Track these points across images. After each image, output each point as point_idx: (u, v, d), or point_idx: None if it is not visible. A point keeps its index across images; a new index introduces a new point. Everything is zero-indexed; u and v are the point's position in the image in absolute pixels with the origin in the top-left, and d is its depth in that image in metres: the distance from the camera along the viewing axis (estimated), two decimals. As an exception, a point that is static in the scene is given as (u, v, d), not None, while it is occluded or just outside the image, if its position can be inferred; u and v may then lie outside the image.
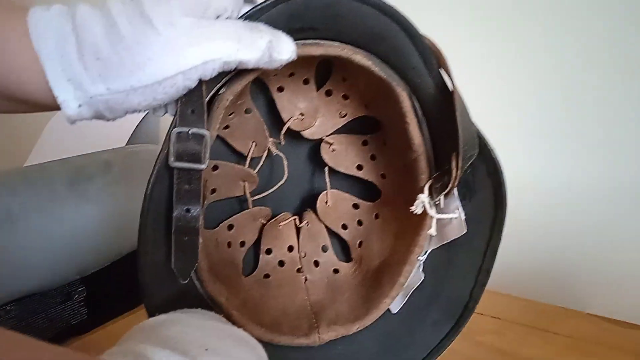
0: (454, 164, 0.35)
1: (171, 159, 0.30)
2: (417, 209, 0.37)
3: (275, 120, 0.45)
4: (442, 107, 0.36)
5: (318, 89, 0.44)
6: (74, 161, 0.50)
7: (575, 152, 0.68)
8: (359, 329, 0.42)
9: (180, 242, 0.32)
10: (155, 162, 0.31)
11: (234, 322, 0.39)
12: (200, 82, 0.30)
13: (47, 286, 0.46)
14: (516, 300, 0.63)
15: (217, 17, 0.29)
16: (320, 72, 0.43)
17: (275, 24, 0.31)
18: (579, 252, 0.69)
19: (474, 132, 0.35)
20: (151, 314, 0.34)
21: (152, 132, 0.78)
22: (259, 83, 0.43)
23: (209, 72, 0.29)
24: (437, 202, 0.39)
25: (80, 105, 0.28)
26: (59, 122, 0.83)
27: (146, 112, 0.33)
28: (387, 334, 0.43)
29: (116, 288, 0.52)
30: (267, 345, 0.40)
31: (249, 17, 0.30)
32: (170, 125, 0.31)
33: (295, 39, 0.33)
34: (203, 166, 0.31)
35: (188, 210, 0.32)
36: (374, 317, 0.42)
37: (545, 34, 0.67)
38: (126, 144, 0.71)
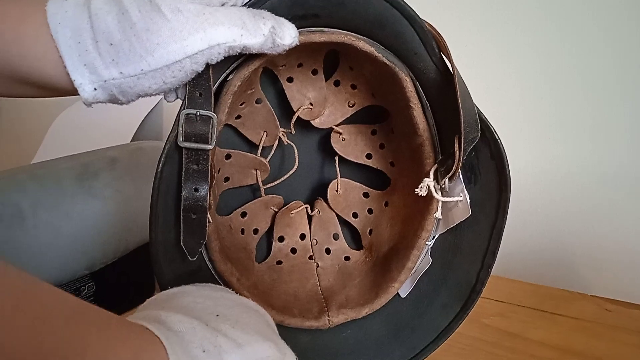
0: (456, 146, 0.36)
1: (180, 139, 0.32)
2: (421, 191, 0.38)
3: (285, 110, 0.46)
4: (445, 91, 0.37)
5: (326, 79, 0.45)
6: (80, 158, 0.52)
7: (576, 139, 0.68)
8: (368, 313, 0.42)
9: (189, 220, 0.34)
10: (166, 142, 0.32)
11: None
12: (208, 66, 0.31)
13: (57, 281, 0.47)
14: (521, 284, 0.64)
15: (223, 4, 0.31)
16: (329, 63, 0.44)
17: (278, 11, 0.33)
18: (581, 236, 0.70)
19: (475, 114, 0.36)
20: (163, 289, 0.36)
21: (157, 128, 0.80)
22: (269, 74, 0.44)
23: (215, 57, 0.30)
24: (442, 186, 0.40)
25: (95, 89, 0.30)
26: (65, 119, 0.86)
27: (151, 109, 0.34)
28: (396, 318, 0.44)
29: (125, 282, 0.54)
30: (277, 326, 0.41)
31: (252, 4, 0.32)
32: (180, 107, 0.32)
33: (299, 27, 0.34)
34: (210, 147, 0.33)
35: (196, 190, 0.33)
36: (383, 301, 0.43)
37: (542, 28, 0.67)
38: (131, 141, 0.73)
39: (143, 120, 0.77)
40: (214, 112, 0.33)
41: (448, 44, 0.35)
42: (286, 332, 0.42)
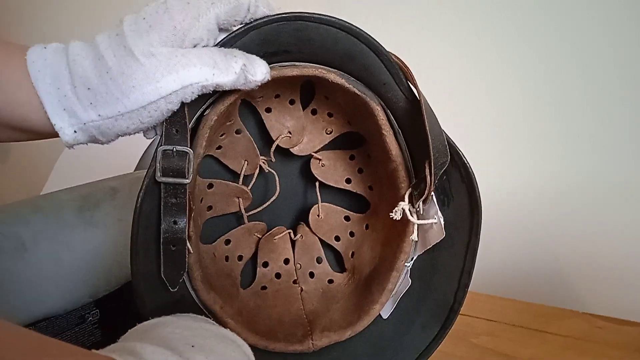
0: (427, 171, 0.37)
1: (158, 174, 0.33)
2: (396, 215, 0.39)
3: (265, 139, 0.47)
4: (414, 118, 0.38)
5: (304, 108, 0.46)
6: (81, 189, 0.53)
7: (566, 154, 0.69)
8: (351, 335, 0.43)
9: (169, 252, 0.35)
10: (144, 178, 0.34)
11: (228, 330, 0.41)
12: (183, 104, 0.33)
13: (62, 310, 0.48)
14: (511, 302, 0.64)
15: (195, 45, 0.32)
16: (305, 92, 0.46)
17: (250, 49, 0.34)
18: (571, 253, 0.70)
19: (443, 139, 0.37)
20: (145, 319, 0.36)
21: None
22: (248, 105, 0.46)
23: (189, 96, 0.32)
24: (417, 209, 0.41)
25: (75, 132, 0.31)
26: (71, 153, 0.88)
27: (151, 139, 0.36)
28: (378, 339, 0.44)
29: (128, 309, 0.54)
30: (261, 352, 0.42)
31: (224, 44, 0.34)
32: (158, 144, 0.34)
33: (271, 62, 0.36)
34: (187, 181, 0.34)
35: (175, 222, 0.35)
36: (365, 323, 0.43)
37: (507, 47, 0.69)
38: (134, 171, 0.74)
39: (145, 151, 0.79)
40: (190, 148, 0.34)
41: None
42: (271, 357, 0.43)
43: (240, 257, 0.49)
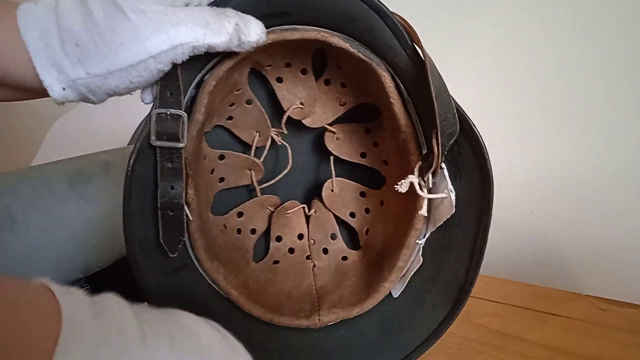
0: (434, 140, 0.35)
1: (152, 138, 0.33)
2: (401, 187, 0.37)
3: (277, 111, 0.46)
4: (421, 84, 0.36)
5: (317, 79, 0.45)
6: (74, 162, 0.52)
7: (570, 140, 0.68)
8: (359, 313, 0.42)
9: (167, 218, 0.35)
10: (136, 141, 0.34)
11: (232, 301, 0.41)
12: (175, 66, 0.32)
13: None
14: (515, 284, 0.63)
15: (187, 4, 0.32)
16: (319, 63, 0.44)
17: (245, 8, 0.33)
18: (575, 236, 0.70)
19: (452, 107, 0.35)
20: (143, 290, 0.36)
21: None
22: (259, 76, 0.45)
23: (180, 56, 0.31)
24: (427, 183, 0.39)
25: (64, 89, 0.31)
26: (62, 126, 0.86)
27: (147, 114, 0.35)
28: (387, 319, 0.43)
29: (120, 286, 0.54)
30: (267, 325, 0.41)
31: (217, 4, 0.33)
32: (152, 107, 0.33)
33: (271, 25, 0.35)
34: (182, 144, 0.34)
35: (172, 187, 0.34)
36: (374, 301, 0.42)
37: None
38: (128, 145, 0.73)
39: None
40: (184, 111, 0.34)
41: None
42: (276, 332, 0.42)
43: (253, 231, 0.49)
